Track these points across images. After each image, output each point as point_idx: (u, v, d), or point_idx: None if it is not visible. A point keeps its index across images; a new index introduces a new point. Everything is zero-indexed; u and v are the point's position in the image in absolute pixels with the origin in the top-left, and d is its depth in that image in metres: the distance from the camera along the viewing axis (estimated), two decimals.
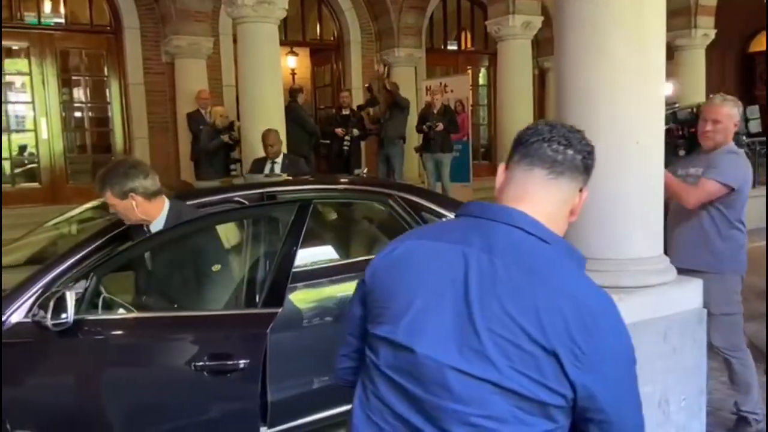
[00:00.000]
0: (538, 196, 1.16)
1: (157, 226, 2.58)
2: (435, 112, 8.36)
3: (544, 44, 11.18)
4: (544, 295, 1.05)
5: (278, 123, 6.47)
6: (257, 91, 6.66)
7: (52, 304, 2.11)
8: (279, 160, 5.75)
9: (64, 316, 2.11)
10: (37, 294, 2.29)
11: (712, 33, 10.16)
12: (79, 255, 2.43)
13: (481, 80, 12.18)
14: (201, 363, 2.26)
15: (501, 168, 1.23)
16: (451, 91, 9.31)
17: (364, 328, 1.26)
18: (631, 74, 2.23)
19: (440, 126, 8.23)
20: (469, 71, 11.30)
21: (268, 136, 5.84)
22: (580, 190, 1.20)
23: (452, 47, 11.89)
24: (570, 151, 1.16)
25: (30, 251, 3.02)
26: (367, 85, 9.65)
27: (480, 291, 1.07)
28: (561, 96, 2.40)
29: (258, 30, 6.58)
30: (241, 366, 2.25)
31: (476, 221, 1.17)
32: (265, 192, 3.04)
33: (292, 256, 2.45)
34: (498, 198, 1.21)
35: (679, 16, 9.74)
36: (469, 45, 12.08)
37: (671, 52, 9.46)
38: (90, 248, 2.47)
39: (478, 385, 1.05)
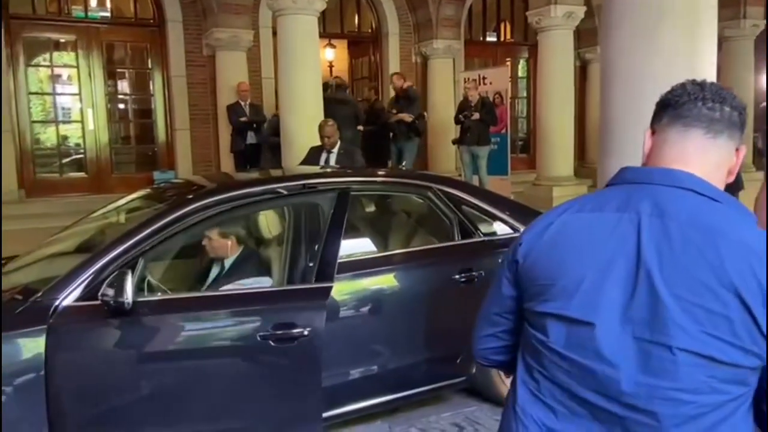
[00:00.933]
0: (696, 157, 1.12)
1: (229, 261, 3.08)
2: (472, 105, 8.30)
3: (586, 35, 10.96)
4: (728, 253, 1.01)
5: (317, 115, 6.48)
6: (296, 83, 6.70)
7: (124, 283, 2.26)
8: (335, 150, 5.76)
9: (125, 296, 2.26)
10: (87, 280, 2.38)
11: (762, 23, 9.84)
12: (127, 243, 2.51)
13: (521, 72, 12.03)
14: (266, 333, 2.46)
15: (647, 133, 1.19)
16: (490, 83, 9.19)
17: (515, 307, 1.23)
18: (683, 63, 2.18)
19: (476, 115, 8.14)
20: (508, 63, 11.16)
21: (324, 127, 5.76)
22: (737, 150, 1.15)
23: (491, 39, 11.77)
24: (727, 108, 1.12)
25: (79, 239, 3.11)
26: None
27: (659, 257, 1.03)
28: (607, 87, 2.36)
29: (297, 22, 6.62)
30: (305, 333, 2.48)
31: (637, 187, 1.12)
32: (306, 183, 3.08)
33: (338, 237, 2.77)
34: (647, 163, 1.17)
35: (728, 6, 9.44)
36: (508, 36, 11.94)
37: (720, 43, 9.18)
38: (137, 237, 2.54)
39: (668, 355, 1.01)
